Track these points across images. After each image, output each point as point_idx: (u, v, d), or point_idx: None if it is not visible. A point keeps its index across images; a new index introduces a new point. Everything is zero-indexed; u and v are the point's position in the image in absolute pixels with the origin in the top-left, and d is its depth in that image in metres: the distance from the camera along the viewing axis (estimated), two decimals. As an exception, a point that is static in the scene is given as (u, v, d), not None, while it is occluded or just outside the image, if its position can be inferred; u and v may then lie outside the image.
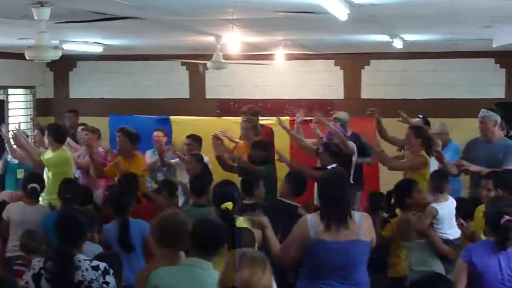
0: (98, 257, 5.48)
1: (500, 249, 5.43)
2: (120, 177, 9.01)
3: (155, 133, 11.55)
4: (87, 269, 4.82)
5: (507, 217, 5.41)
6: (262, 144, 10.04)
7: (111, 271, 4.92)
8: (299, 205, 7.96)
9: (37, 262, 4.99)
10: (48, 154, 9.38)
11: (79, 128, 11.81)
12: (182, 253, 5.17)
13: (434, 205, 7.19)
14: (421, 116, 11.02)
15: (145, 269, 5.17)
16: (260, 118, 11.56)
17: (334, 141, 10.01)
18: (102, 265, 4.90)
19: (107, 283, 4.83)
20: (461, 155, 9.28)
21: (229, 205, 5.75)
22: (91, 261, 4.90)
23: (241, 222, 6.13)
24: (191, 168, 9.53)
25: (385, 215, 8.34)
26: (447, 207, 7.22)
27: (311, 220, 5.77)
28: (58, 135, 9.53)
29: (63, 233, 5.04)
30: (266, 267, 3.69)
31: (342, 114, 11.55)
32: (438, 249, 7.00)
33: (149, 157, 11.20)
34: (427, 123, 10.87)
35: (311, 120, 12.06)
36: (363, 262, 5.79)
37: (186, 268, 4.75)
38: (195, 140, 10.82)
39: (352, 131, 10.90)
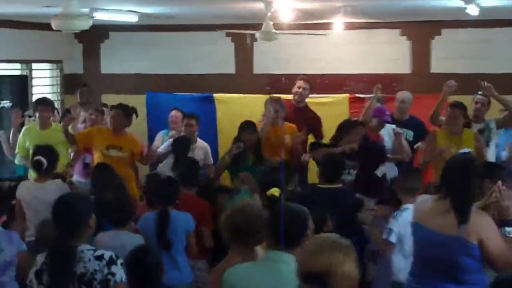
0: (135, 250, 5.52)
1: None
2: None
3: (173, 113, 11.54)
4: (89, 260, 4.85)
5: None
6: None
7: (120, 261, 4.92)
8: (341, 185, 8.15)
9: (40, 257, 5.06)
10: None
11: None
12: (258, 248, 5.19)
13: None
14: (479, 93, 10.87)
15: (219, 267, 5.18)
16: (316, 95, 11.58)
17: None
18: (108, 254, 4.92)
19: (113, 274, 4.83)
20: None
21: (275, 191, 5.79)
22: (95, 250, 4.93)
23: None
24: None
25: None
26: None
27: (419, 201, 6.00)
28: None
29: (60, 222, 5.07)
30: (349, 253, 3.70)
31: (404, 96, 11.55)
32: None
33: (159, 140, 11.27)
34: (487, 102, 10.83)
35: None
36: (469, 264, 5.65)
37: (267, 264, 4.75)
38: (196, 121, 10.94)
39: (410, 114, 10.86)
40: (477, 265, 5.62)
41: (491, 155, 9.81)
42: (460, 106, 9.63)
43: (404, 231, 7.19)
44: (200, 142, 10.72)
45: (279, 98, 11.47)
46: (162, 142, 11.23)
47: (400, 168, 9.52)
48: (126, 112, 10.19)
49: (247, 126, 10.22)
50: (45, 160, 8.15)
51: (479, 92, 10.72)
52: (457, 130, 9.40)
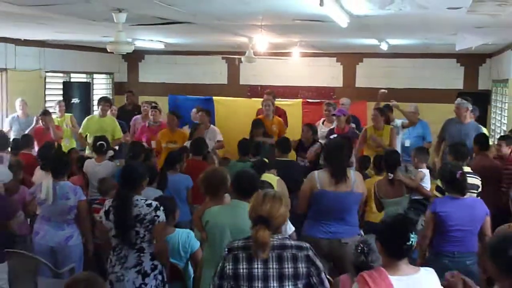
0: (159, 199, 5.50)
1: (458, 197, 5.48)
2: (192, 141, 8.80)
3: (194, 110, 11.40)
4: (142, 206, 4.83)
5: (460, 172, 5.54)
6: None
7: (161, 208, 4.90)
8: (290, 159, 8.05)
9: (108, 202, 5.04)
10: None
11: (144, 103, 11.89)
12: (227, 195, 5.19)
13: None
14: (386, 103, 10.72)
15: (199, 209, 5.15)
16: (277, 100, 11.46)
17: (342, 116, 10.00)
18: (154, 203, 4.90)
19: (158, 216, 4.82)
20: (440, 130, 9.17)
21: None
22: (146, 200, 4.91)
23: (266, 176, 6.36)
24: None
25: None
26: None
27: (318, 176, 5.76)
28: None
29: (124, 179, 5.05)
30: (283, 202, 3.72)
31: (345, 100, 11.51)
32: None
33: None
34: (390, 109, 10.58)
35: (319, 102, 12.04)
36: (354, 208, 5.76)
37: (230, 208, 4.75)
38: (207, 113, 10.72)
39: (351, 113, 10.79)
40: (357, 208, 5.80)
41: (398, 142, 9.79)
42: (380, 109, 9.55)
43: None
44: (212, 127, 10.53)
45: (272, 91, 11.39)
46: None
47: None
48: (177, 117, 10.07)
49: (256, 123, 9.96)
50: (105, 144, 8.00)
51: (392, 101, 10.69)
52: (379, 126, 9.31)
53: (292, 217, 4.55)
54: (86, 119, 10.71)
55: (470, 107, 8.74)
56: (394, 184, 6.80)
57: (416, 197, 7.15)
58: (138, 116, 11.50)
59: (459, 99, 8.87)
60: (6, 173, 6.55)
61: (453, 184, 5.53)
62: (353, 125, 10.32)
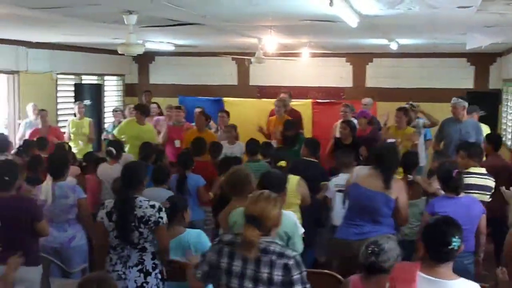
0: (171, 198, 5.51)
1: (454, 196, 5.49)
2: (192, 141, 8.75)
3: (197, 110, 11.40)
4: (146, 207, 4.83)
5: (456, 171, 5.55)
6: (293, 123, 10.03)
7: (163, 209, 4.89)
8: (316, 161, 7.89)
9: (108, 203, 5.01)
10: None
11: (153, 105, 11.99)
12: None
13: None
14: (409, 103, 10.81)
15: (226, 210, 5.14)
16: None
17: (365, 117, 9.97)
18: (157, 204, 4.89)
19: (162, 217, 4.82)
20: (438, 131, 9.21)
21: (282, 163, 5.79)
22: (149, 201, 4.90)
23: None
24: (231, 136, 9.60)
25: None
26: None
27: (358, 170, 5.80)
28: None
29: (125, 180, 5.04)
30: (277, 204, 3.68)
31: (367, 100, 11.50)
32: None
33: None
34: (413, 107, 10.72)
35: (329, 102, 12.03)
36: (385, 211, 5.57)
37: None
38: (227, 114, 10.79)
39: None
40: (390, 213, 5.60)
41: (421, 143, 9.79)
42: (404, 110, 9.48)
43: (333, 190, 7.13)
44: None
45: (289, 91, 11.38)
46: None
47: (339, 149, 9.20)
48: (205, 117, 10.07)
49: (288, 124, 9.87)
50: (114, 150, 8.03)
51: (410, 102, 10.67)
52: (402, 127, 9.27)
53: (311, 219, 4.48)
54: (124, 122, 10.58)
55: (466, 105, 8.73)
56: (412, 186, 6.73)
57: None
58: (161, 117, 11.51)
59: (454, 98, 8.89)
60: None
61: (448, 183, 5.55)
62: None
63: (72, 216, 6.13)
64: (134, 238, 4.82)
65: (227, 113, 10.87)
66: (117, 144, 8.34)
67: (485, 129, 9.27)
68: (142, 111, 10.06)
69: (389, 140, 8.88)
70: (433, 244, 3.35)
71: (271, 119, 10.69)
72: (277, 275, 3.51)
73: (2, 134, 9.50)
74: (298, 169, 6.80)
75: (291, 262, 3.52)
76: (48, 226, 5.67)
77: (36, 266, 5.49)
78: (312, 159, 7.79)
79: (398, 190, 5.59)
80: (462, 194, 5.59)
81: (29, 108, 11.10)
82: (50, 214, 6.05)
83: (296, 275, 3.52)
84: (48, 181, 6.14)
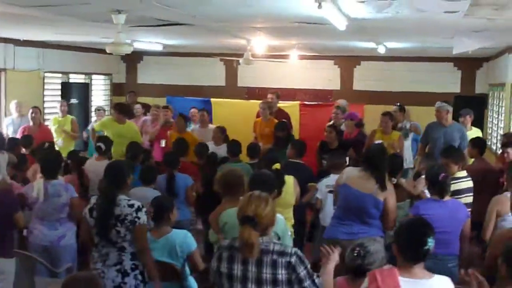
0: (156, 199, 5.49)
1: (439, 199, 5.52)
2: (174, 141, 8.77)
3: (192, 110, 11.44)
4: (124, 206, 4.82)
5: (443, 174, 5.58)
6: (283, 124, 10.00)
7: (144, 209, 4.87)
8: (303, 162, 7.81)
9: (93, 199, 5.03)
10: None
11: (136, 105, 11.97)
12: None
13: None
14: (398, 104, 10.92)
15: (216, 210, 5.14)
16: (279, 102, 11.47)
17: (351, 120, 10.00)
18: (136, 204, 4.87)
19: (139, 217, 4.80)
20: (422, 135, 9.24)
21: (277, 166, 5.80)
22: (129, 200, 4.90)
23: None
24: (216, 138, 9.53)
25: None
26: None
27: (349, 171, 5.84)
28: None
29: (109, 178, 5.04)
30: (269, 203, 3.67)
31: (341, 101, 11.51)
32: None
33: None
34: (403, 109, 10.78)
35: (316, 105, 12.03)
36: (374, 212, 5.60)
37: None
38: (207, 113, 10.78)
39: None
40: (378, 214, 5.64)
41: (407, 146, 9.83)
42: (390, 115, 9.51)
43: (324, 190, 7.15)
44: (211, 125, 10.51)
45: (277, 92, 11.37)
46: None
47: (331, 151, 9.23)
48: (185, 119, 9.91)
49: (280, 125, 9.86)
50: (103, 145, 7.96)
51: (398, 104, 10.68)
52: (388, 131, 9.31)
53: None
54: (107, 118, 10.51)
55: (450, 109, 8.76)
56: (396, 189, 6.74)
57: None
58: (147, 117, 11.47)
59: (438, 102, 8.90)
60: None
61: (434, 186, 5.58)
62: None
63: (63, 215, 6.12)
64: (112, 236, 4.82)
65: (207, 111, 10.88)
66: (107, 140, 8.28)
67: (477, 133, 9.32)
68: (120, 110, 9.67)
69: (376, 141, 8.92)
70: (410, 244, 3.39)
71: (256, 120, 10.67)
72: (282, 274, 3.50)
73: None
74: (289, 171, 6.82)
75: (293, 259, 3.51)
76: (23, 218, 5.71)
77: (11, 258, 5.51)
78: (298, 161, 7.80)
79: (387, 192, 5.64)
80: (447, 198, 5.62)
81: (12, 106, 11.01)
82: (41, 213, 6.05)
83: (302, 272, 3.52)
84: (39, 179, 6.12)
